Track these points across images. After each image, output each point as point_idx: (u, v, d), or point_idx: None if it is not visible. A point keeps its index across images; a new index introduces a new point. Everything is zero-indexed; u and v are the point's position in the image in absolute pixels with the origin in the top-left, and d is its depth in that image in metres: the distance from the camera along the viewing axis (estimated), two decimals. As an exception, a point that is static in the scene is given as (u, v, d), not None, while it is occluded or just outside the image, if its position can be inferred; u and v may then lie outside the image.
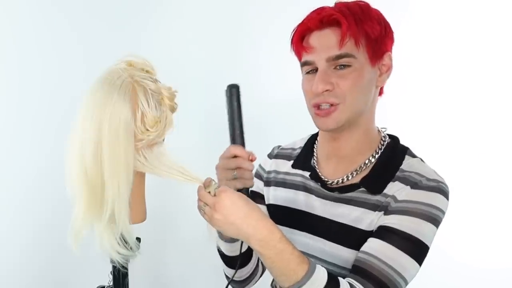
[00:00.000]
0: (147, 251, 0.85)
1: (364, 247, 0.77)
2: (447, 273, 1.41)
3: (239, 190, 0.77)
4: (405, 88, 0.99)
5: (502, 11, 1.36)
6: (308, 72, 0.84)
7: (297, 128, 1.03)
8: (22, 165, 1.42)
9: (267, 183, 1.00)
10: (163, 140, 0.80)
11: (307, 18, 0.83)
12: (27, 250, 1.46)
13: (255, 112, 0.90)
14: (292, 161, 0.97)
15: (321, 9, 0.81)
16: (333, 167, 0.88)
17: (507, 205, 1.44)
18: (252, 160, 0.80)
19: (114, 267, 0.79)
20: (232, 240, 0.91)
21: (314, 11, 0.82)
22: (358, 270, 0.75)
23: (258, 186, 1.02)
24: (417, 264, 0.75)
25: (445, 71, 1.43)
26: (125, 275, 0.81)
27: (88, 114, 0.70)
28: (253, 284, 1.03)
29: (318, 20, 0.80)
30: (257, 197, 1.01)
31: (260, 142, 1.04)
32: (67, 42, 1.47)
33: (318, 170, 0.90)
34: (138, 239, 0.80)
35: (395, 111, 0.87)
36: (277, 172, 0.99)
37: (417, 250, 0.74)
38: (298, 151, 0.98)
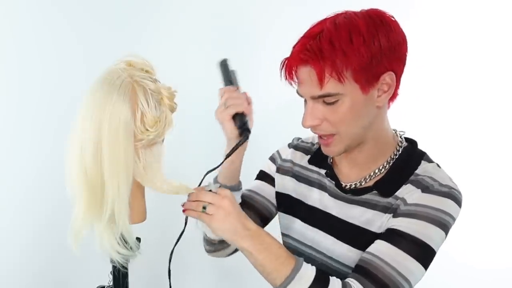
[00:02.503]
0: (147, 251, 0.86)
1: (370, 248, 0.76)
2: (448, 273, 1.41)
3: (233, 117, 0.85)
4: (415, 89, 0.98)
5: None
6: (305, 100, 0.81)
7: (298, 130, 1.02)
8: (22, 165, 1.42)
9: (281, 170, 1.01)
10: (163, 140, 0.80)
11: (292, 53, 0.76)
12: (27, 250, 1.46)
13: (254, 113, 0.90)
14: (309, 156, 0.97)
15: (308, 38, 0.73)
16: (347, 171, 0.88)
17: (508, 205, 1.44)
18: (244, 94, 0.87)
19: (114, 267, 0.80)
20: None
21: (297, 43, 0.75)
22: (360, 270, 0.74)
23: (270, 168, 1.04)
24: (422, 268, 0.74)
25: (458, 73, 1.41)
26: (125, 275, 0.81)
27: (88, 114, 0.70)
28: (233, 250, 1.02)
29: (299, 56, 0.73)
30: (266, 178, 1.03)
31: (259, 142, 1.04)
32: (67, 42, 1.47)
33: (334, 170, 0.90)
34: (138, 239, 0.80)
35: (401, 113, 0.86)
36: (294, 164, 0.99)
37: (423, 253, 0.74)
38: (317, 146, 0.98)
